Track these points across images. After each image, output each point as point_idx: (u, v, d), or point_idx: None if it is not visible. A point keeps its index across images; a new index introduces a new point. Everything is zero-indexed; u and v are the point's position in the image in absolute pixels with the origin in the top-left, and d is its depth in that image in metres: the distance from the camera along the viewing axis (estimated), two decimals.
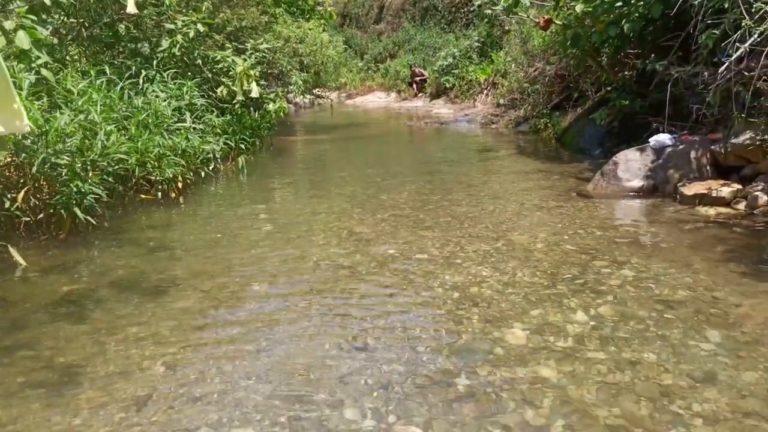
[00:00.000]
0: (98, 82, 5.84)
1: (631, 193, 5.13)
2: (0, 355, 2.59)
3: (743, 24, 4.03)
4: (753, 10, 4.08)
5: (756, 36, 4.01)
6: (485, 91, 15.25)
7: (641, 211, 4.85)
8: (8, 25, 4.28)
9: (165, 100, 6.52)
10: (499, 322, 2.83)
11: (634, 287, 3.20)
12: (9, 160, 4.47)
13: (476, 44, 17.35)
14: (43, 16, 6.38)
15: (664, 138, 5.22)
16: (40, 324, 2.90)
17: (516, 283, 3.31)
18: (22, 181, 4.45)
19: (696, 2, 4.75)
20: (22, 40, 4.29)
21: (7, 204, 4.12)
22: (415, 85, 19.39)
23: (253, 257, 3.88)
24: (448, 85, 17.34)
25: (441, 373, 2.39)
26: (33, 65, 4.94)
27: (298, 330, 2.81)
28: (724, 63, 4.32)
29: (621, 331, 2.72)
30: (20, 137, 4.24)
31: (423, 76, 18.99)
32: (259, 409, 2.15)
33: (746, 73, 4.46)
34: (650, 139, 5.33)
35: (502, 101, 12.46)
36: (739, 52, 4.12)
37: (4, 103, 1.33)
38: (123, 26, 7.71)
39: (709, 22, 4.63)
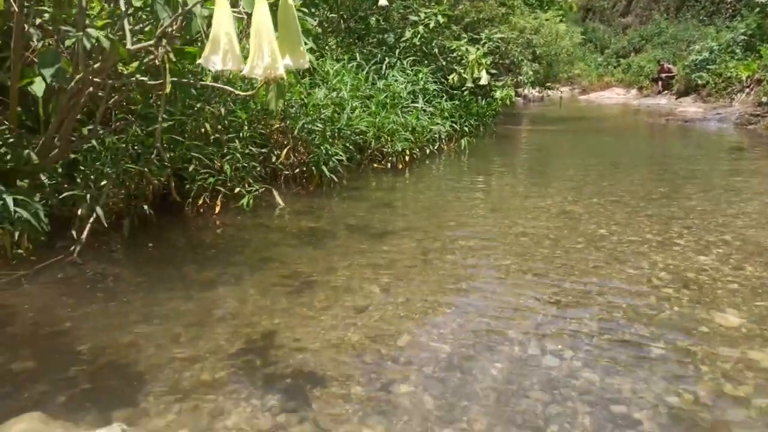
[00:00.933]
0: (349, 66, 6.73)
1: None
2: (260, 262, 3.31)
3: None
4: None
5: None
6: (746, 89, 13.33)
7: None
8: None
9: (402, 84, 7.21)
10: (710, 306, 2.67)
11: None
12: (278, 125, 5.49)
13: (741, 37, 15.20)
14: (312, 10, 7.56)
15: None
16: (290, 246, 3.60)
17: (740, 275, 3.03)
18: (285, 142, 5.43)
19: None
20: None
21: (273, 159, 5.08)
22: (660, 82, 17.77)
23: (463, 220, 4.19)
24: (700, 82, 15.53)
25: (634, 336, 2.38)
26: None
27: (497, 281, 3.01)
28: None
29: None
30: (288, 108, 5.19)
31: (671, 72, 17.30)
32: (454, 334, 2.42)
33: None
34: None
35: (766, 100, 10.79)
36: None
37: (295, 46, 1.79)
38: (374, 19, 8.67)
39: None
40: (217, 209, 4.21)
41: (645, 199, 4.76)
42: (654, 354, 2.24)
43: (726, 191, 5.03)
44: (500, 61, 10.32)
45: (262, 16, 1.66)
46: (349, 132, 5.69)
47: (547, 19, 10.69)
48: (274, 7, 1.67)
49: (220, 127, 4.53)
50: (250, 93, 3.25)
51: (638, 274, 3.09)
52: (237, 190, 4.26)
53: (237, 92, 3.26)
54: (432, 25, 8.33)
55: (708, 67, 15.43)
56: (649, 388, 2.01)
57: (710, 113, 12.58)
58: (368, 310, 2.64)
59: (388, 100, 6.72)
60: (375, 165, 6.18)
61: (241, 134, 4.56)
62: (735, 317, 2.55)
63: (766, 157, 7.12)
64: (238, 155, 4.40)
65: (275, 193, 4.54)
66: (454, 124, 7.76)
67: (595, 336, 2.38)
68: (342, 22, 8.60)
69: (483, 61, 8.21)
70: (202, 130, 4.41)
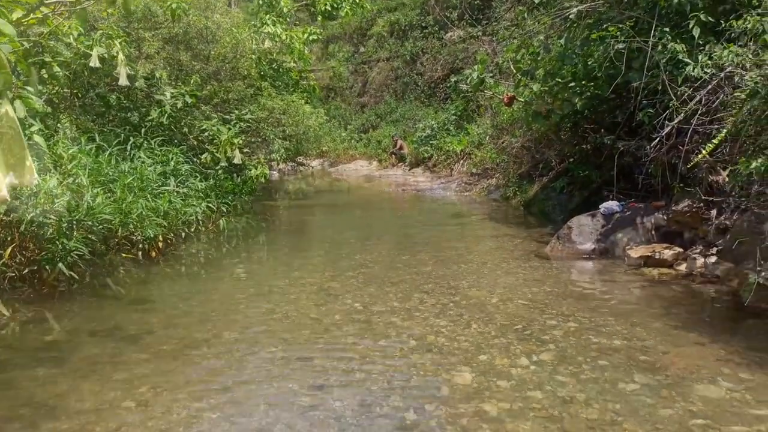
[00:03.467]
0: (88, 148, 6.21)
1: (584, 255, 5.51)
2: None
3: (670, 104, 4.57)
4: (678, 93, 4.63)
5: (681, 116, 4.54)
6: (461, 161, 15.94)
7: (591, 271, 5.21)
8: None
9: (151, 166, 6.89)
10: (449, 367, 3.09)
11: (576, 337, 3.50)
12: None
13: (453, 117, 18.25)
14: (40, 87, 6.84)
15: (612, 205, 5.67)
16: (22, 367, 3.09)
17: (468, 333, 3.58)
18: (9, 238, 4.70)
19: (635, 84, 5.32)
20: (19, 109, 4.67)
21: None
22: (394, 155, 20.13)
23: (225, 310, 4.12)
24: (426, 155, 18.07)
25: (391, 408, 2.62)
26: (26, 132, 5.31)
27: (263, 373, 3.03)
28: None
29: (558, 374, 2.99)
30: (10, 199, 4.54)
31: (403, 148, 19.79)
32: None
33: (680, 147, 4.97)
34: (600, 206, 5.78)
35: (475, 170, 13.07)
36: (667, 129, 4.63)
37: (20, 161, 1.66)
38: (114, 96, 8.20)
39: (645, 101, 5.19)
40: None
41: (391, 269, 5.31)
42: (408, 422, 2.51)
43: (453, 256, 5.91)
44: (252, 139, 10.60)
45: None
46: (90, 222, 5.18)
47: (293, 101, 11.40)
48: None
49: None
50: None
51: (390, 345, 3.42)
52: None
53: None
54: (180, 105, 8.22)
55: (431, 142, 18.10)
56: None
57: (436, 183, 14.69)
58: None
59: (135, 184, 6.34)
60: (123, 255, 5.71)
61: None
62: (468, 374, 3.01)
63: (479, 221, 8.59)
64: None
65: None
66: (210, 205, 7.64)
67: (358, 415, 2.56)
68: (76, 99, 7.93)
69: (235, 140, 8.35)
70: None
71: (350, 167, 21.54)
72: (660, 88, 5.05)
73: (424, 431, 2.44)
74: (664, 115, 4.75)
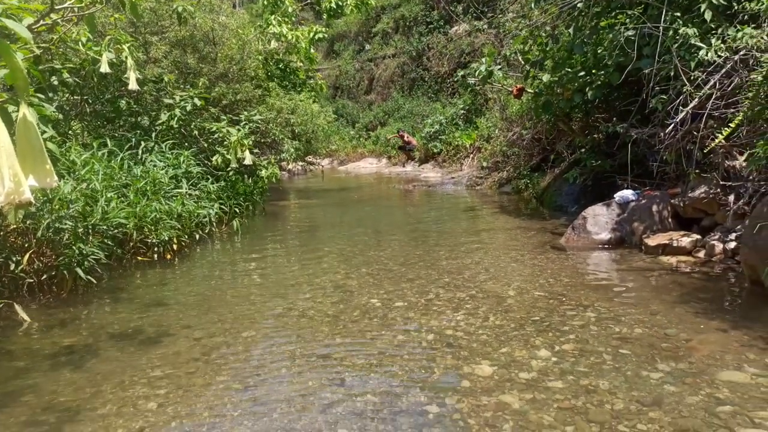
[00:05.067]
0: (100, 153, 6.25)
1: (600, 245, 5.45)
2: (4, 399, 2.79)
3: (684, 90, 4.50)
4: (692, 78, 4.57)
5: (695, 101, 4.47)
6: (471, 156, 15.88)
7: (608, 261, 5.16)
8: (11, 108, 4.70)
9: (163, 169, 6.93)
10: (469, 360, 3.07)
11: (596, 326, 3.47)
12: (14, 226, 4.78)
13: (461, 111, 18.19)
14: (50, 94, 6.89)
15: (627, 193, 5.61)
16: (43, 372, 3.12)
17: (486, 326, 3.56)
18: (26, 245, 4.74)
19: (646, 71, 5.25)
20: (31, 116, 4.70)
21: (12, 266, 4.39)
22: (402, 151, 20.09)
23: (243, 310, 4.13)
24: (435, 150, 18.02)
25: (412, 403, 2.61)
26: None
27: (283, 370, 3.03)
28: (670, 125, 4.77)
29: (580, 364, 2.96)
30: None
31: (411, 142, 19.73)
32: None
33: (695, 133, 4.90)
34: (615, 195, 5.72)
35: (485, 164, 13.01)
36: (681, 115, 4.57)
37: (39, 163, 1.67)
38: (124, 101, 8.24)
39: (658, 88, 5.12)
40: None
41: (406, 265, 5.29)
42: (431, 416, 2.49)
43: (467, 249, 5.88)
44: (262, 140, 10.62)
45: None
46: (105, 226, 5.22)
47: (301, 100, 11.41)
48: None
49: None
50: None
51: (408, 339, 3.41)
52: None
53: None
54: (189, 107, 8.25)
55: (440, 137, 18.05)
56: None
57: (447, 178, 14.64)
58: None
59: (148, 187, 6.38)
60: (139, 258, 5.75)
61: None
62: (488, 366, 2.99)
63: (492, 214, 8.54)
64: None
65: (18, 307, 3.91)
66: (222, 206, 7.67)
67: (379, 411, 2.55)
68: (87, 105, 7.99)
69: (245, 141, 8.36)
70: None
71: (359, 165, 21.55)
72: (672, 73, 4.98)
73: (447, 425, 2.43)
74: (677, 100, 4.69)
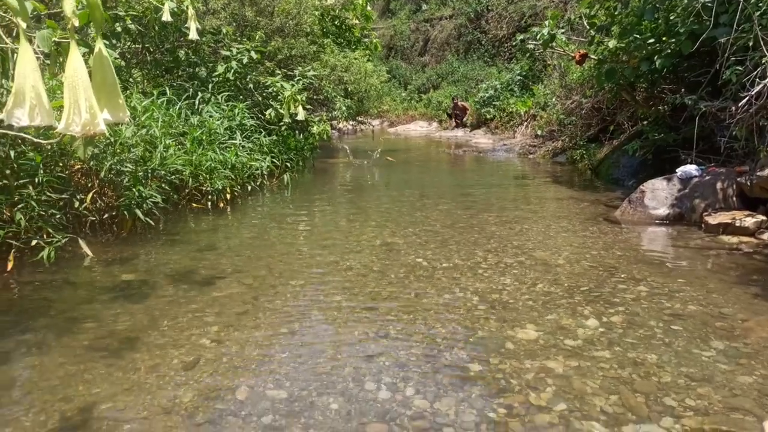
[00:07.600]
0: (159, 101, 6.41)
1: (657, 221, 5.27)
2: (69, 324, 2.97)
3: (763, 61, 4.21)
4: None
5: None
6: (525, 123, 15.49)
7: (664, 237, 4.99)
8: (82, 49, 4.84)
9: (218, 120, 7.06)
10: (513, 323, 3.06)
11: (647, 301, 3.38)
12: (78, 166, 4.99)
13: (518, 77, 17.69)
14: (113, 41, 7.06)
15: (690, 169, 5.37)
16: (103, 303, 3.29)
17: (533, 293, 3.53)
18: (89, 185, 4.95)
19: (722, 40, 4.94)
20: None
21: (77, 204, 4.60)
22: (455, 118, 19.78)
23: (291, 259, 4.22)
24: (488, 116, 17.67)
25: (455, 359, 2.63)
26: None
27: (329, 319, 3.10)
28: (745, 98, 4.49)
29: (629, 336, 2.91)
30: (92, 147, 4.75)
31: (464, 108, 19.36)
32: (291, 379, 2.44)
33: None
34: (677, 170, 5.48)
35: (540, 132, 12.67)
36: (758, 88, 4.29)
37: (113, 98, 1.71)
38: (183, 52, 8.37)
39: (734, 59, 4.81)
40: (9, 266, 3.68)
41: (453, 228, 5.27)
42: (472, 374, 2.51)
43: (516, 216, 5.79)
44: (315, 97, 10.64)
45: (76, 67, 1.56)
46: (163, 172, 5.39)
47: (356, 58, 11.31)
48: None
49: (8, 171, 3.99)
50: (52, 141, 2.94)
51: (453, 299, 3.42)
52: (34, 242, 3.78)
53: (31, 138, 2.93)
54: (245, 60, 8.31)
55: (494, 103, 17.65)
56: (471, 406, 2.24)
57: (498, 144, 14.36)
58: (199, 365, 2.54)
59: (204, 137, 6.53)
60: (194, 205, 5.93)
61: (36, 179, 4.07)
62: (533, 331, 2.97)
63: (543, 184, 8.35)
64: (32, 202, 3.92)
65: (81, 242, 4.13)
66: (274, 160, 7.78)
67: (422, 364, 2.58)
68: (147, 54, 8.15)
69: (299, 97, 8.40)
70: None
71: (410, 127, 21.38)
72: (751, 44, 4.67)
73: (488, 383, 2.44)
74: (755, 72, 4.39)
